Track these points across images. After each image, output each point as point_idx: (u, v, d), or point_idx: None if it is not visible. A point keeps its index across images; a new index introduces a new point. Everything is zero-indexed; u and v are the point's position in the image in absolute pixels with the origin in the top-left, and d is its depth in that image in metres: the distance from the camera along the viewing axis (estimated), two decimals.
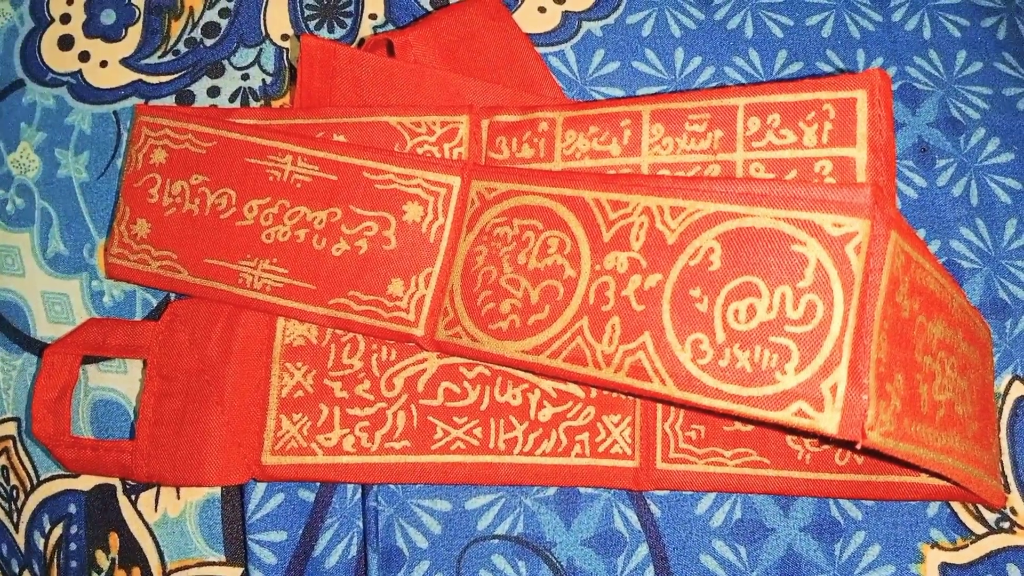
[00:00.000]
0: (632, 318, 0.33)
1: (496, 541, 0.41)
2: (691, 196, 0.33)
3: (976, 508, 0.41)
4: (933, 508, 0.41)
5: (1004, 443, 0.42)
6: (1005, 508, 0.41)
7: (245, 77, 0.50)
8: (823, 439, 0.38)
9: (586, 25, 0.51)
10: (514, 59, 0.46)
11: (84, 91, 0.50)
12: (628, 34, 0.50)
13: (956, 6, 0.52)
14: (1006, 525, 0.41)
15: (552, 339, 0.35)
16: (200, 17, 0.51)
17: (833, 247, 0.30)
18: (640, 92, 0.49)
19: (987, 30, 0.51)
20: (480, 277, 0.38)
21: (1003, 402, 0.43)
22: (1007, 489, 0.41)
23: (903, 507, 0.41)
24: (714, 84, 0.49)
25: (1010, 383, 0.43)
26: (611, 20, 0.51)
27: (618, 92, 0.49)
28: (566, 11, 0.51)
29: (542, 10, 0.51)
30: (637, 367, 0.33)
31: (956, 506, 0.41)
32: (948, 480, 0.35)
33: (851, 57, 0.50)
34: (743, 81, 0.49)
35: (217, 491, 0.43)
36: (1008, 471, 0.42)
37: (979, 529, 0.41)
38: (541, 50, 0.49)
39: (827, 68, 0.50)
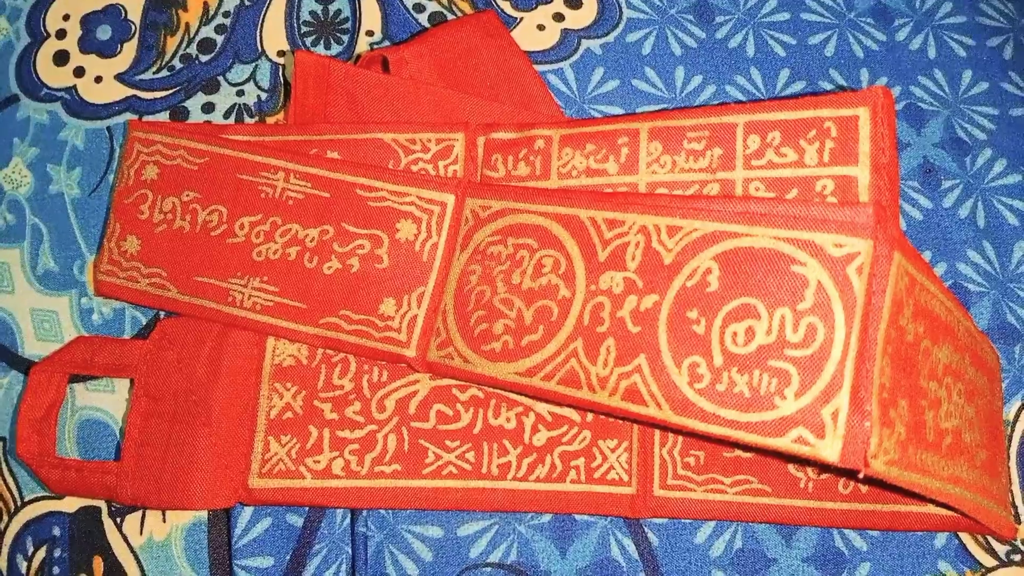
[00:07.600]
0: (627, 340, 0.32)
1: (489, 570, 0.40)
2: (689, 215, 0.33)
3: (986, 539, 0.40)
4: (941, 539, 0.40)
5: (1014, 472, 0.41)
6: (1016, 540, 0.40)
7: (240, 93, 0.49)
8: (824, 467, 0.37)
9: (585, 43, 0.50)
10: (511, 76, 0.46)
11: (78, 106, 0.50)
12: (628, 52, 0.50)
13: (961, 25, 0.51)
14: (1017, 558, 0.39)
15: (546, 361, 0.34)
16: (196, 33, 0.51)
17: (834, 268, 0.29)
18: (640, 111, 0.48)
19: (993, 50, 0.50)
20: (473, 297, 0.37)
21: (1012, 429, 0.42)
22: (1017, 520, 0.40)
23: (910, 538, 0.40)
24: (715, 103, 0.48)
25: (1020, 410, 0.42)
26: (611, 38, 0.50)
27: (617, 110, 0.48)
28: (565, 29, 0.51)
29: (541, 28, 0.51)
30: (632, 390, 0.32)
31: (965, 537, 0.40)
32: (956, 510, 0.34)
33: (855, 76, 0.49)
34: (745, 100, 0.48)
35: (203, 515, 0.42)
36: (1018, 501, 0.40)
37: (989, 561, 0.39)
38: (540, 68, 0.49)
39: (830, 87, 0.49)
